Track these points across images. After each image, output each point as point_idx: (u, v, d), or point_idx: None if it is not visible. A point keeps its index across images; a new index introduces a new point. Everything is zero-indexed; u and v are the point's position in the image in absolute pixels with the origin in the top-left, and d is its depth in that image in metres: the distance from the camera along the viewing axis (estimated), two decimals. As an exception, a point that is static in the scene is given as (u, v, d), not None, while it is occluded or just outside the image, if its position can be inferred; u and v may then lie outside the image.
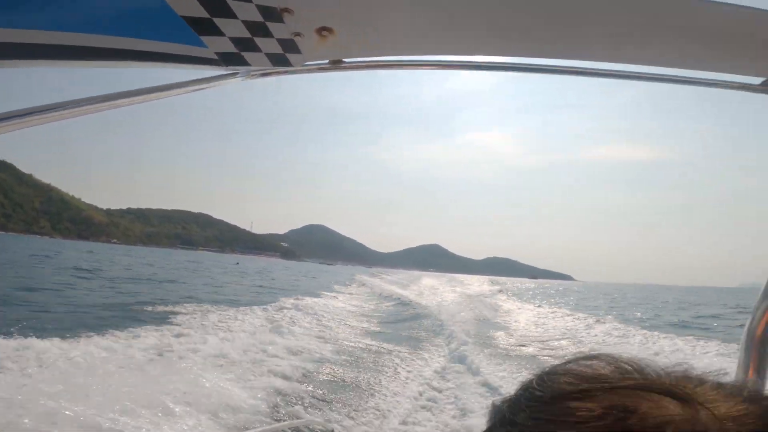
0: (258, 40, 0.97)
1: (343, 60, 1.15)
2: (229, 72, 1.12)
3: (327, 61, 1.15)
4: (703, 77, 1.28)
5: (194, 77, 1.13)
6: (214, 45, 0.96)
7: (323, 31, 0.98)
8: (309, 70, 1.18)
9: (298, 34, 0.99)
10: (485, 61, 1.24)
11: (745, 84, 1.27)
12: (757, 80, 1.26)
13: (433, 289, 36.89)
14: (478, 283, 55.44)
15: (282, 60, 1.06)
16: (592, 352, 0.39)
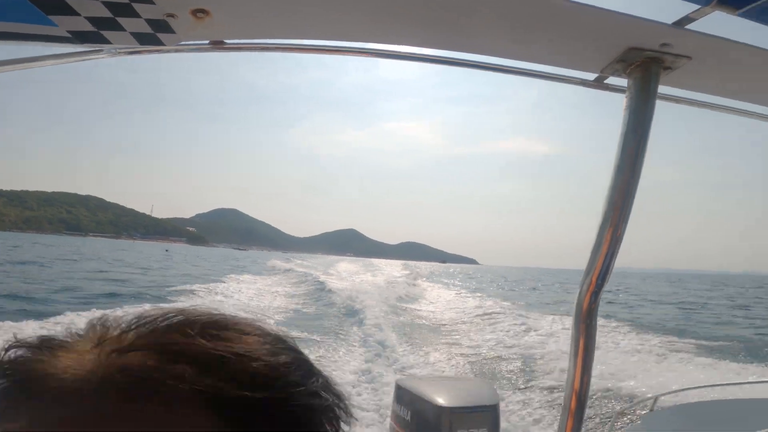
0: (121, 20, 0.93)
1: (225, 41, 1.12)
2: (90, 49, 1.03)
3: (207, 41, 1.12)
4: (545, 71, 1.32)
5: (51, 52, 1.05)
6: (66, 24, 0.91)
7: (198, 12, 0.95)
8: (187, 50, 1.14)
9: (171, 15, 0.95)
10: (379, 48, 1.25)
11: (583, 79, 1.32)
12: (591, 76, 1.31)
13: (349, 274, 37.26)
14: (391, 268, 57.21)
15: (151, 39, 1.01)
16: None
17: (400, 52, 1.28)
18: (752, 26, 1.16)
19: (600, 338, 10.78)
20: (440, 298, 24.66)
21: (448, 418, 2.17)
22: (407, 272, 44.75)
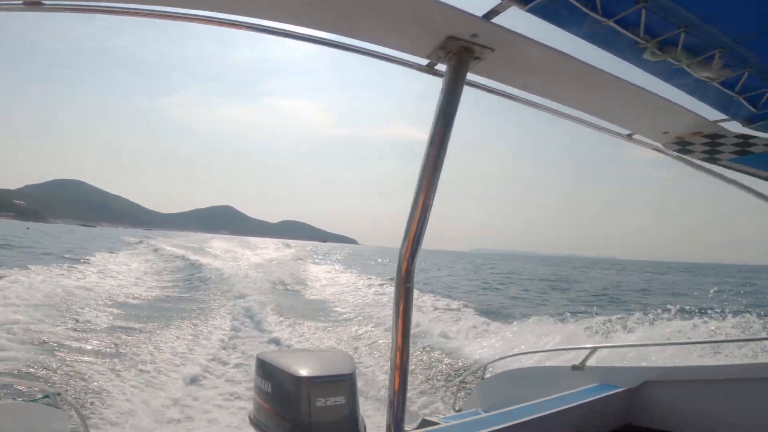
0: None
1: (42, 2, 1.10)
2: None
3: (20, 1, 1.03)
4: (388, 53, 1.39)
5: None
6: None
7: None
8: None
9: None
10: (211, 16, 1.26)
11: (419, 65, 1.41)
12: (423, 61, 1.40)
13: (220, 252, 35.07)
14: (269, 246, 55.49)
15: None
16: None
17: (251, 23, 1.27)
18: (552, 28, 1.40)
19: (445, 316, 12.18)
20: (317, 275, 24.90)
21: (306, 388, 2.23)
22: (285, 251, 43.95)
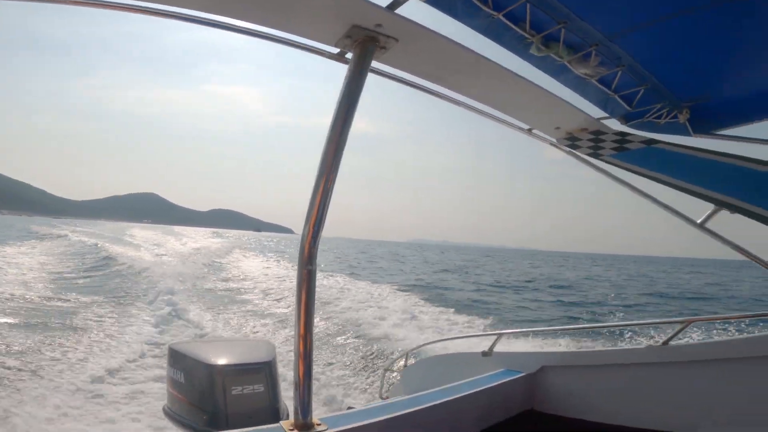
0: None
1: None
2: None
3: None
4: (301, 41, 1.40)
5: None
6: None
7: None
8: None
9: None
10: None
11: (330, 53, 1.42)
12: (334, 50, 1.41)
13: (142, 241, 32.59)
14: (196, 235, 52.66)
15: None
16: None
17: (167, 11, 1.26)
18: (458, 23, 1.42)
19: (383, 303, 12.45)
20: (247, 265, 24.09)
21: (221, 376, 2.18)
22: (214, 241, 41.93)
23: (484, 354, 2.75)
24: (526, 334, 7.68)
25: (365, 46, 1.34)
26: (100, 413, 5.32)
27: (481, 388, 2.24)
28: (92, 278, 15.55)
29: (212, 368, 2.24)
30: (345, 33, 1.32)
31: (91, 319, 9.03)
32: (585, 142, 2.02)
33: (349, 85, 1.33)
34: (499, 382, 2.38)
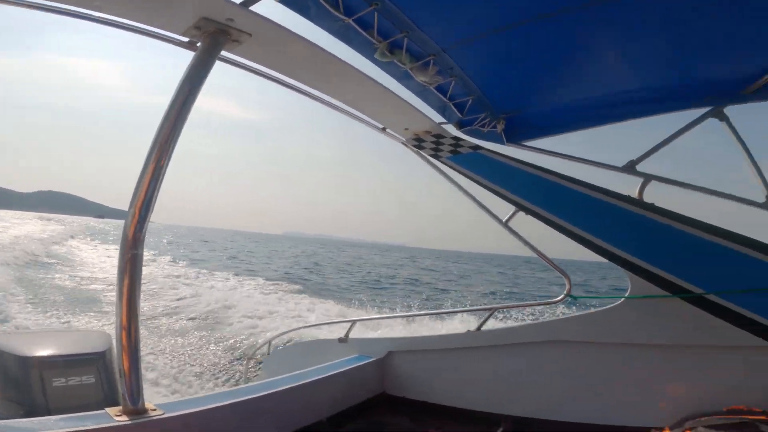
0: None
1: None
2: None
3: None
4: (150, 29, 1.39)
5: None
6: None
7: None
8: None
9: None
10: None
11: (180, 41, 1.41)
12: (184, 39, 1.41)
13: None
14: (9, 221, 43.39)
15: None
16: None
17: None
18: (305, 22, 1.49)
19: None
20: (85, 256, 20.87)
21: (37, 368, 2.15)
22: (38, 227, 35.07)
23: (341, 340, 2.86)
24: (382, 321, 8.14)
25: (215, 37, 1.36)
26: None
27: (332, 373, 2.33)
28: None
29: (26, 360, 2.18)
30: (194, 24, 1.33)
31: None
32: (428, 143, 2.26)
33: (191, 73, 1.34)
34: (351, 366, 2.47)
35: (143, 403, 1.39)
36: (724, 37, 1.48)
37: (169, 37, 1.42)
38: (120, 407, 1.38)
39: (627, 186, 1.87)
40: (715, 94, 1.77)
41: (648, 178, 1.87)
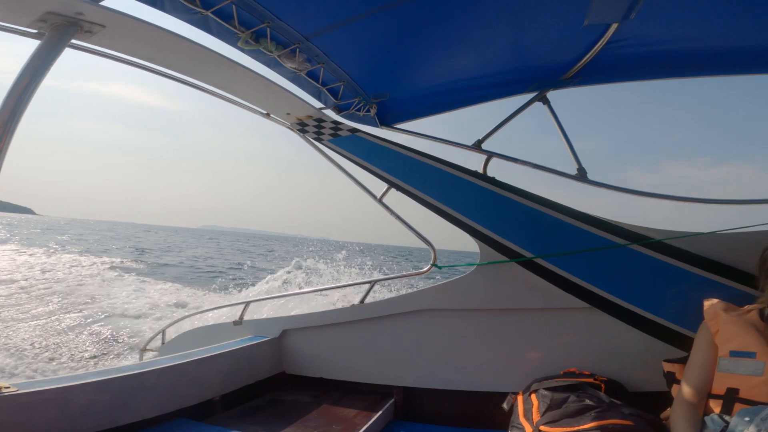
0: None
1: None
2: None
3: None
4: None
5: None
6: None
7: None
8: None
9: None
10: None
11: (28, 32, 1.38)
12: (32, 30, 1.38)
13: None
14: None
15: None
16: None
17: None
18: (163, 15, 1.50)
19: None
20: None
21: None
22: None
23: (236, 323, 2.84)
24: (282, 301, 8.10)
25: (63, 29, 1.36)
26: None
27: (222, 351, 2.31)
28: None
29: None
30: (38, 18, 1.32)
31: None
32: (311, 128, 2.36)
33: (32, 62, 1.29)
34: (243, 346, 2.47)
35: None
36: (541, 29, 1.69)
37: (16, 28, 1.37)
38: None
39: (477, 163, 2.17)
40: (540, 80, 2.05)
41: (490, 155, 2.15)
